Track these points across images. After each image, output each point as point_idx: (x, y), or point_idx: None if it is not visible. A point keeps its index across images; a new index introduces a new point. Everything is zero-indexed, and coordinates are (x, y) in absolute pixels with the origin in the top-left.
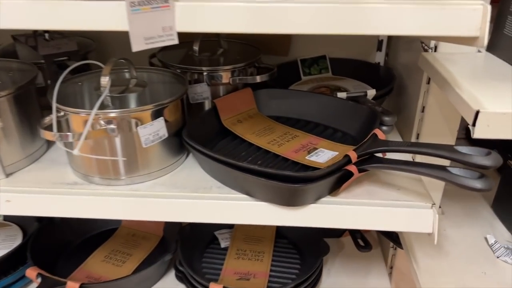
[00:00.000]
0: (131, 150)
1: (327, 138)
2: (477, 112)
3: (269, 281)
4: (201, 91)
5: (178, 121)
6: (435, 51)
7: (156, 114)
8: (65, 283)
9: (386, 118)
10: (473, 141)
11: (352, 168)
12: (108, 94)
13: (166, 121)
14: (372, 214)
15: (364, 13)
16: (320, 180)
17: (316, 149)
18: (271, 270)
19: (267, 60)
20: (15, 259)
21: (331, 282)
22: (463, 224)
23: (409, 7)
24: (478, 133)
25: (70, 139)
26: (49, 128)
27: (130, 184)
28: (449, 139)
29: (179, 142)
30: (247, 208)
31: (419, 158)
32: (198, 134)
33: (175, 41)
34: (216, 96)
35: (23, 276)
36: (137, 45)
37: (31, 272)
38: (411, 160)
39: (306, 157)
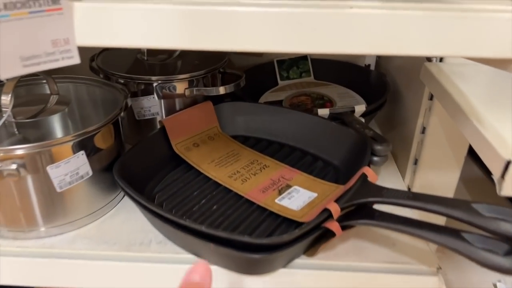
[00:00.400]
0: (43, 195)
1: (304, 171)
2: (508, 163)
3: None
4: (149, 106)
5: (110, 151)
6: (440, 60)
7: (77, 147)
8: None
9: (379, 147)
10: (488, 173)
11: (333, 226)
12: (12, 119)
13: (91, 154)
14: (360, 281)
15: (350, 23)
16: (289, 247)
17: (290, 187)
18: None
19: (237, 60)
20: None
21: None
22: (467, 266)
23: (415, 15)
24: (508, 189)
25: None
26: None
27: (45, 238)
28: (454, 168)
29: (111, 179)
30: None
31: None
32: (138, 167)
33: (74, 59)
34: (169, 110)
35: None
36: (8, 69)
37: None
38: (411, 204)
39: (276, 200)
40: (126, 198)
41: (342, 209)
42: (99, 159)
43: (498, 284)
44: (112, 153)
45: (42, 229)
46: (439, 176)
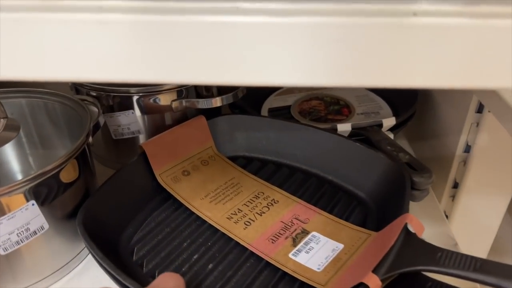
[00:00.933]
0: None
1: (323, 207)
2: None
3: None
4: (128, 123)
5: (75, 191)
6: None
7: (25, 196)
8: None
9: (419, 179)
10: None
11: None
12: None
13: (47, 201)
14: None
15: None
16: None
17: (307, 233)
18: None
19: None
20: None
21: None
22: None
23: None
24: None
25: None
26: None
27: None
28: (504, 195)
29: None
30: None
31: None
32: (112, 209)
33: None
34: (154, 127)
35: None
36: None
37: None
38: (479, 279)
39: (290, 255)
40: None
41: (382, 281)
42: (60, 205)
43: None
44: (78, 194)
45: None
46: (485, 204)
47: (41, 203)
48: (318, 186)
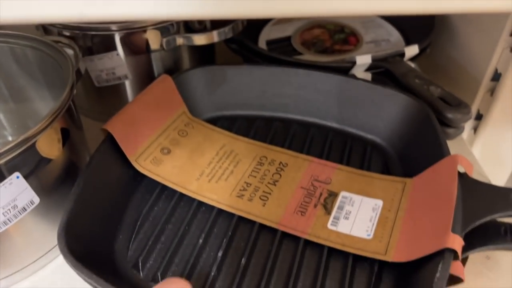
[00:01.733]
0: None
1: (339, 162)
2: None
3: None
4: (112, 66)
5: (66, 155)
6: None
7: (8, 169)
8: None
9: (455, 115)
10: None
11: (459, 269)
12: None
13: (33, 171)
14: None
15: None
16: None
17: (335, 195)
18: None
19: None
20: None
21: None
22: None
23: None
24: None
25: None
26: None
27: None
28: None
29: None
30: None
31: None
32: (94, 218)
33: None
34: (142, 70)
35: None
36: None
37: None
38: None
39: (329, 226)
40: None
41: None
42: (49, 174)
43: None
44: (70, 157)
45: None
46: (510, 137)
47: (27, 174)
48: (322, 137)
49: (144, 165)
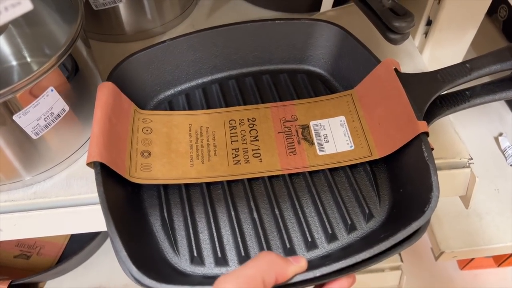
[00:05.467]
0: (19, 147)
1: (294, 98)
2: None
3: None
4: None
5: (86, 70)
6: None
7: (42, 85)
8: None
9: (401, 24)
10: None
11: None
12: None
13: (62, 84)
14: None
15: None
16: None
17: (307, 127)
18: None
19: None
20: None
21: None
22: (472, 119)
23: None
24: None
25: None
26: None
27: (29, 186)
28: (470, 30)
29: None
30: None
31: None
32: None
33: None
34: None
35: None
36: None
37: None
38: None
39: (319, 153)
40: None
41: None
42: (74, 86)
43: (500, 138)
44: (88, 71)
45: (28, 178)
46: (454, 39)
47: (58, 87)
48: (262, 83)
49: (138, 176)
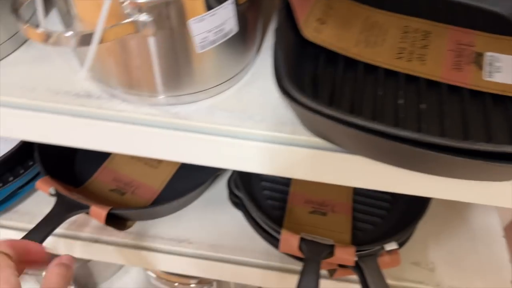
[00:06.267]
0: (175, 58)
1: (483, 29)
2: None
3: (355, 218)
4: None
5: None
6: None
7: None
8: (88, 207)
9: None
10: None
11: None
12: None
13: (238, 4)
14: None
15: None
16: None
17: (482, 55)
18: (355, 201)
19: None
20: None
21: None
22: None
23: None
24: None
25: (72, 43)
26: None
27: (171, 105)
28: None
29: (254, 36)
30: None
31: None
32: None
33: None
34: None
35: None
36: None
37: (43, 186)
38: None
39: (486, 78)
40: (261, 59)
41: None
42: (246, 8)
43: None
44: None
45: (171, 96)
46: None
47: (237, 3)
48: (451, 7)
49: (311, 33)
